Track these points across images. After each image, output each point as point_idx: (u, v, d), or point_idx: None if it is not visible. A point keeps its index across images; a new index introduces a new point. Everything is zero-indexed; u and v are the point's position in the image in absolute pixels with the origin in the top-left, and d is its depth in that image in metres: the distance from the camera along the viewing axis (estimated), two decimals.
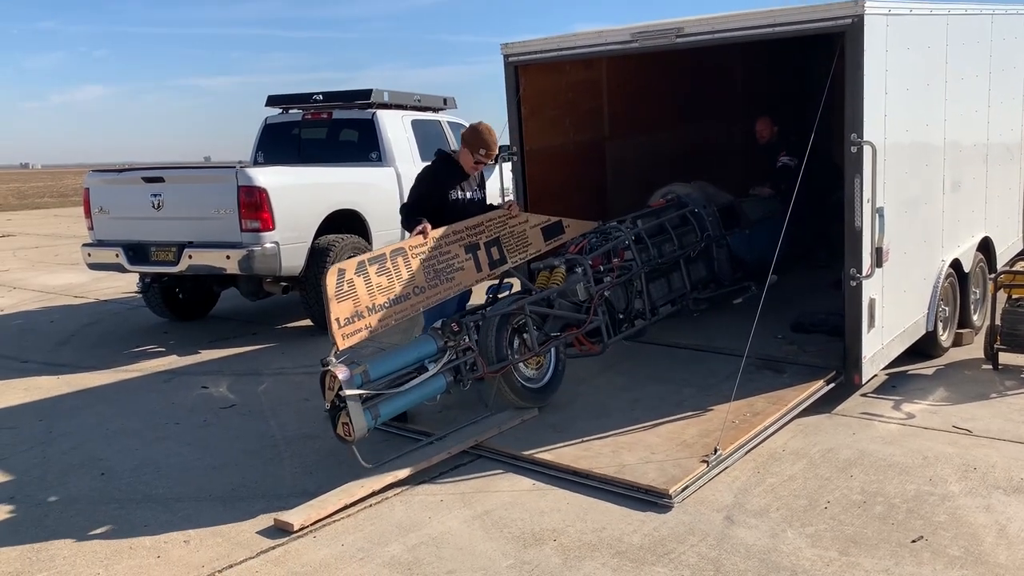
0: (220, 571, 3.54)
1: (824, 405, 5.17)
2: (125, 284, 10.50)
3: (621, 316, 5.91)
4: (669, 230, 6.44)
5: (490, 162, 5.62)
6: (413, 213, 5.32)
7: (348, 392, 4.24)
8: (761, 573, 3.34)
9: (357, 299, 4.60)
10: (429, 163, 5.83)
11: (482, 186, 5.81)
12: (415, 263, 5.00)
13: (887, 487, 4.06)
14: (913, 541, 3.54)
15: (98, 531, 3.96)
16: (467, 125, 10.38)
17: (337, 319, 4.47)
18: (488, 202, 5.84)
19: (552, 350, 5.35)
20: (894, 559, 3.40)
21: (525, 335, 5.19)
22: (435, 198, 5.48)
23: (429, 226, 5.15)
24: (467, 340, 4.84)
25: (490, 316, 5.04)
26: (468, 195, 5.63)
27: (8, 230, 21.15)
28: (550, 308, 5.43)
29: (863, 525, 3.70)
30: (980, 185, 6.82)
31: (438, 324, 4.88)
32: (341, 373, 4.25)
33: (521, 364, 5.14)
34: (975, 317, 6.73)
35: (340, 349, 4.43)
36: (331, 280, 4.51)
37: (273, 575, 3.50)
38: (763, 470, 4.32)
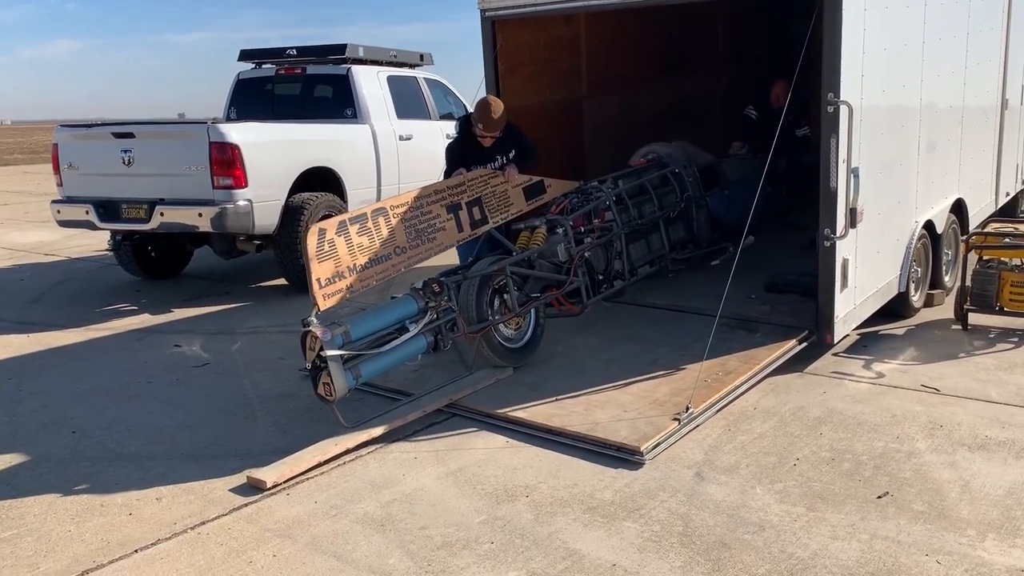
0: (192, 528, 3.54)
1: (796, 364, 5.23)
2: (96, 242, 10.34)
3: (601, 277, 5.91)
4: (650, 190, 6.41)
5: (495, 134, 5.56)
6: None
7: (329, 352, 4.21)
8: (730, 528, 3.39)
9: (338, 259, 4.56)
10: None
11: (518, 151, 5.75)
12: (396, 223, 4.95)
13: (855, 445, 4.13)
14: (879, 497, 3.61)
15: (69, 489, 3.94)
16: (443, 81, 10.24)
17: (318, 279, 4.43)
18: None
19: (532, 311, 5.34)
20: (860, 514, 3.47)
21: (506, 296, 5.18)
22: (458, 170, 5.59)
23: (464, 170, 5.46)
24: (448, 300, 4.83)
25: (471, 277, 5.02)
26: (491, 166, 5.68)
27: None
28: (531, 269, 5.42)
29: (831, 481, 3.76)
30: (955, 147, 6.85)
31: (419, 284, 4.85)
32: (322, 333, 4.23)
33: (501, 324, 5.14)
34: (947, 278, 6.80)
35: (321, 310, 4.40)
36: (312, 240, 4.47)
37: (245, 532, 3.51)
38: (734, 428, 4.37)
